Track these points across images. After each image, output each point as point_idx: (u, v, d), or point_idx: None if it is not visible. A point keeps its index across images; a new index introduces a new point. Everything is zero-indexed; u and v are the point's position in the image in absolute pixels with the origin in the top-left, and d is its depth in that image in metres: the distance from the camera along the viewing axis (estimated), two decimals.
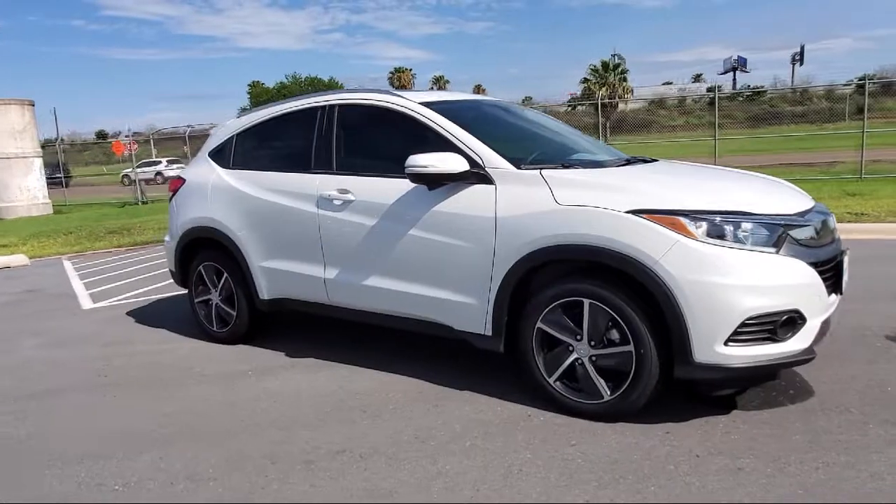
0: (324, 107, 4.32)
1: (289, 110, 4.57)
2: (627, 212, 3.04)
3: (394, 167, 3.86)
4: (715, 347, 2.90)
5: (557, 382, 3.33)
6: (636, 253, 2.98)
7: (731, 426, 3.08)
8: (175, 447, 3.27)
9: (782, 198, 3.38)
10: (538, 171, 3.42)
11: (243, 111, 5.80)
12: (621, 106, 44.90)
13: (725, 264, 2.90)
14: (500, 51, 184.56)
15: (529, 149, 3.92)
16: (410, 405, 3.59)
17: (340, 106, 4.25)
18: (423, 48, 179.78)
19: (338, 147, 4.18)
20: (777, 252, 2.97)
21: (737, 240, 2.95)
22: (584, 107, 39.77)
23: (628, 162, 3.99)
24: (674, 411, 3.22)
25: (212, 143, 5.08)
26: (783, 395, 3.39)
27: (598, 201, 3.14)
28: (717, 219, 2.98)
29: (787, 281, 2.94)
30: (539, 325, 3.32)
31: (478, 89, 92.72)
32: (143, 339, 5.25)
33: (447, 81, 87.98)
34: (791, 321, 2.95)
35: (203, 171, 5.00)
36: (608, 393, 3.17)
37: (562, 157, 3.83)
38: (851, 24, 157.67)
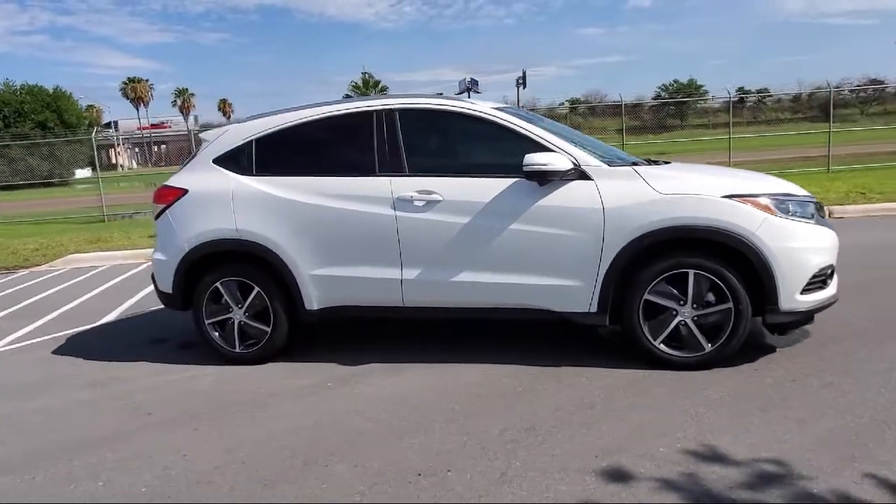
0: (381, 111, 4.36)
1: (332, 114, 4.48)
2: (723, 197, 3.80)
3: (484, 168, 4.16)
4: (795, 297, 3.79)
5: (661, 344, 3.95)
6: (737, 228, 3.74)
7: (802, 361, 4.00)
8: (348, 457, 3.17)
9: (793, 185, 4.44)
10: (630, 167, 4.03)
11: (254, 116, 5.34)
12: None
13: (796, 233, 3.80)
14: (237, 64, 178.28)
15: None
16: (534, 386, 3.89)
17: (402, 110, 4.34)
18: (149, 57, 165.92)
19: (408, 150, 4.27)
20: (814, 222, 3.97)
21: (795, 214, 3.88)
22: None
23: (649, 162, 4.76)
24: (745, 357, 4.04)
25: (215, 148, 4.68)
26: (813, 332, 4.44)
27: (694, 190, 3.85)
28: (783, 199, 3.88)
29: (827, 243, 3.95)
30: (646, 297, 3.91)
31: (223, 104, 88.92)
32: (133, 373, 4.61)
33: (192, 94, 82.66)
34: (832, 273, 3.98)
35: (213, 179, 4.59)
36: (708, 346, 3.89)
37: (609, 157, 4.46)
38: (555, 55, 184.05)
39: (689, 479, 2.77)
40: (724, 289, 3.81)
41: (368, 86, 48.03)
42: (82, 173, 37.51)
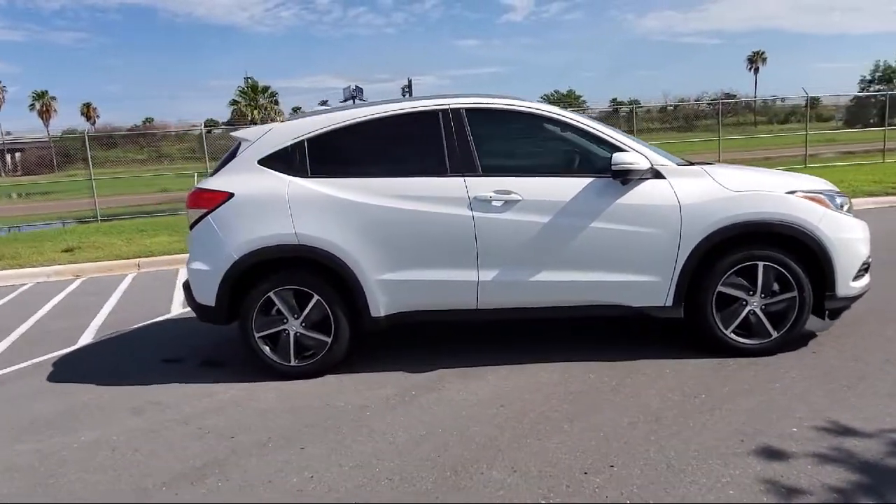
0: (446, 110, 4.27)
1: (394, 113, 4.33)
2: (787, 193, 4.10)
3: (556, 167, 4.22)
4: (849, 284, 4.15)
5: (732, 333, 4.17)
6: (803, 222, 4.04)
7: (848, 342, 4.37)
8: (498, 462, 3.09)
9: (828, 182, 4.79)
10: (699, 166, 4.23)
11: (300, 113, 4.97)
12: None
13: (849, 225, 4.17)
14: (100, 66, 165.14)
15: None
16: (623, 381, 3.97)
17: (469, 110, 4.28)
18: None
19: (479, 149, 4.22)
20: (852, 215, 4.37)
21: (842, 208, 4.25)
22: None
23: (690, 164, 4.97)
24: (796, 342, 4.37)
25: (259, 149, 4.36)
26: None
27: (761, 187, 4.12)
28: (832, 195, 4.25)
29: (867, 234, 4.35)
30: (719, 288, 4.12)
31: (87, 109, 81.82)
32: (173, 396, 4.18)
33: (53, 98, 75.31)
34: (870, 262, 4.39)
35: (264, 181, 4.28)
36: (775, 332, 4.16)
37: (667, 157, 4.59)
38: (434, 65, 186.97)
39: (840, 451, 2.97)
40: (790, 278, 4.10)
41: (258, 91, 46.34)
42: None
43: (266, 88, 47.00)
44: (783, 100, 36.18)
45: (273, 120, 39.67)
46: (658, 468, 2.94)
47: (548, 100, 64.59)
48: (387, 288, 4.21)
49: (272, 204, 4.22)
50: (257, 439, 3.50)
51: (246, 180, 4.31)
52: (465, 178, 4.16)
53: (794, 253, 4.10)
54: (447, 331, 5.07)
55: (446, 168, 4.20)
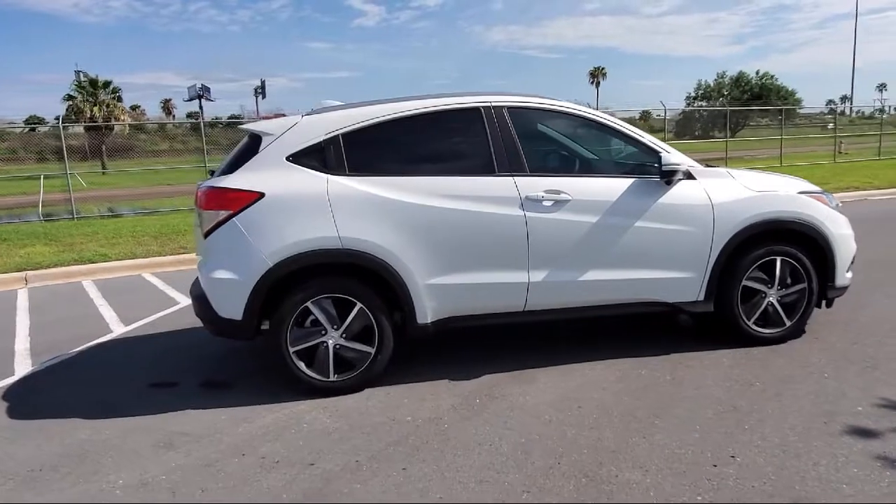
0: (488, 107, 4.16)
1: (436, 109, 4.13)
2: (798, 193, 4.47)
3: (602, 167, 4.30)
4: (845, 275, 4.61)
5: (753, 324, 4.47)
6: (813, 220, 4.43)
7: (845, 329, 4.84)
8: (622, 464, 3.06)
9: None
10: (722, 167, 4.48)
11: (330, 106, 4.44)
12: (118, 128, 41.58)
13: (843, 222, 4.62)
14: None
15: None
16: (675, 374, 4.10)
17: (511, 108, 4.19)
18: None
19: (524, 148, 4.14)
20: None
21: (836, 207, 4.71)
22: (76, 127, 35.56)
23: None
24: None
25: (287, 143, 3.95)
26: None
27: (777, 188, 4.47)
28: (829, 195, 4.69)
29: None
30: (744, 282, 4.39)
31: None
32: (200, 426, 3.66)
33: None
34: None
35: (298, 180, 3.88)
36: (788, 321, 4.52)
37: None
38: (284, 67, 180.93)
39: None
40: (801, 271, 4.47)
41: (97, 86, 42.02)
42: None
43: (108, 83, 42.78)
44: (612, 113, 39.63)
45: (117, 118, 36.29)
46: (776, 454, 3.06)
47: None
48: (435, 293, 4.00)
49: (311, 204, 3.85)
50: (344, 464, 3.16)
51: (276, 179, 3.89)
52: (515, 178, 4.07)
53: (804, 248, 4.47)
54: (468, 335, 4.92)
55: (493, 167, 4.08)
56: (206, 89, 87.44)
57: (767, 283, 4.45)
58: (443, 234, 3.97)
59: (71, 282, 8.20)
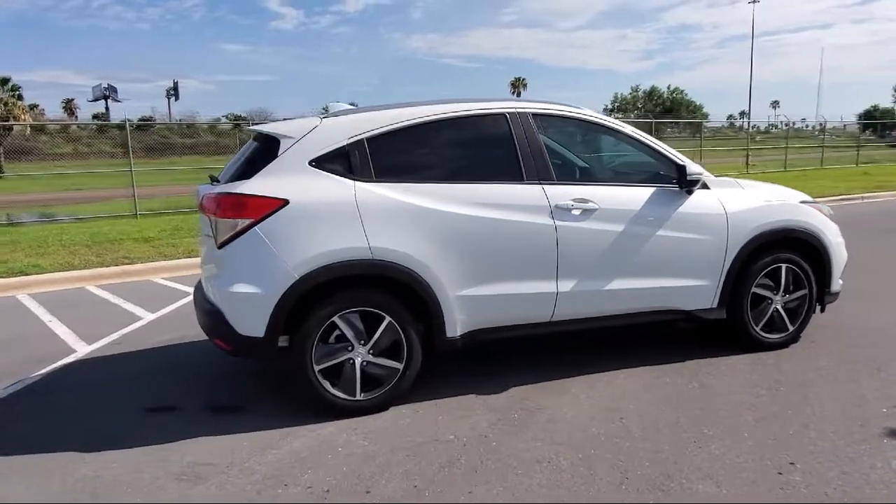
0: (514, 113, 4.06)
1: (462, 114, 3.99)
2: (800, 202, 4.64)
3: (624, 176, 4.28)
4: (838, 280, 4.82)
5: (761, 330, 4.59)
6: (814, 228, 4.60)
7: (847, 332, 5.05)
8: (691, 475, 3.03)
9: None
10: (730, 177, 4.59)
11: (352, 109, 4.12)
12: (17, 128, 38.54)
13: (837, 230, 4.83)
14: None
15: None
16: (700, 381, 4.14)
17: (537, 115, 4.12)
18: None
19: (551, 156, 4.08)
20: None
21: (829, 216, 4.91)
22: None
23: None
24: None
25: (308, 147, 3.70)
26: None
27: (782, 198, 4.62)
28: (822, 205, 4.90)
29: None
30: (753, 289, 4.50)
31: None
32: (221, 455, 3.34)
33: None
34: None
35: (323, 186, 3.64)
36: (791, 327, 4.67)
37: None
38: (197, 68, 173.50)
39: None
40: (803, 278, 4.63)
41: None
42: None
43: (6, 80, 39.54)
44: None
45: (17, 118, 33.71)
46: (832, 459, 3.11)
47: (326, 112, 64.40)
48: (466, 305, 3.85)
49: (338, 212, 3.62)
50: (404, 491, 2.95)
51: (300, 184, 3.63)
52: (543, 186, 3.99)
53: (805, 255, 4.63)
54: (475, 347, 4.78)
55: (521, 174, 3.99)
56: (112, 89, 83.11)
57: (773, 289, 4.58)
58: (475, 244, 3.83)
59: (4, 296, 7.44)
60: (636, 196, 4.19)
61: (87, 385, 4.45)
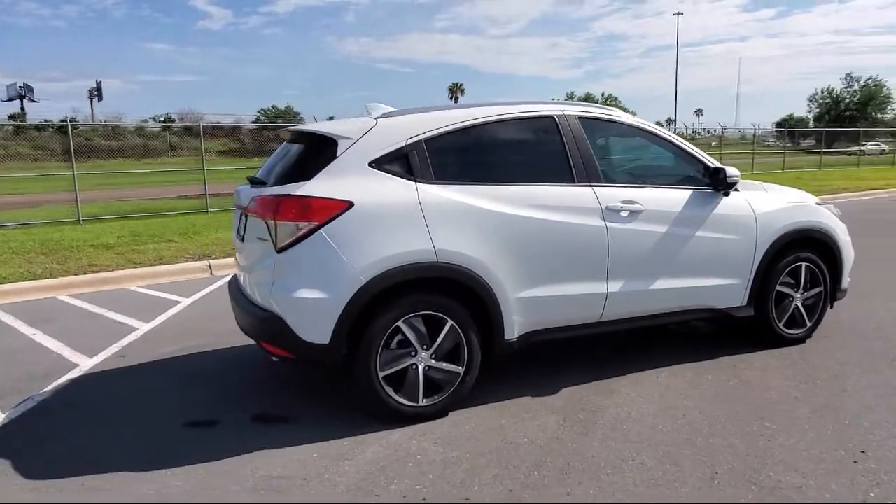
0: (562, 115, 4.09)
1: (514, 115, 3.99)
2: (817, 203, 4.87)
3: (664, 178, 4.40)
4: (847, 279, 5.08)
5: (783, 326, 4.78)
6: (829, 228, 4.84)
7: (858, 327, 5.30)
8: (771, 459, 3.12)
9: None
10: (755, 180, 4.76)
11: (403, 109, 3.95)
12: None
13: (846, 229, 5.08)
14: None
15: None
16: (740, 378, 4.26)
17: (583, 118, 4.15)
18: None
19: (599, 158, 4.12)
20: None
21: (838, 216, 5.16)
22: None
23: None
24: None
25: (367, 148, 3.59)
26: None
27: (801, 199, 4.84)
28: (832, 205, 5.15)
29: None
30: (777, 287, 4.69)
31: None
32: (290, 468, 3.19)
33: None
34: None
35: (386, 188, 3.54)
36: (808, 322, 4.88)
37: None
38: (119, 68, 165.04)
39: None
40: (819, 275, 4.85)
41: None
42: None
43: None
44: None
45: None
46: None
47: (265, 115, 62.88)
48: (524, 306, 3.84)
49: (403, 214, 3.53)
50: (503, 496, 2.90)
51: (362, 186, 3.52)
52: (593, 188, 4.03)
53: (821, 253, 4.86)
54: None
55: (572, 176, 4.01)
56: (28, 89, 78.37)
57: (794, 287, 4.78)
58: (532, 245, 3.82)
59: None
60: (676, 198, 4.29)
61: (106, 400, 4.16)
